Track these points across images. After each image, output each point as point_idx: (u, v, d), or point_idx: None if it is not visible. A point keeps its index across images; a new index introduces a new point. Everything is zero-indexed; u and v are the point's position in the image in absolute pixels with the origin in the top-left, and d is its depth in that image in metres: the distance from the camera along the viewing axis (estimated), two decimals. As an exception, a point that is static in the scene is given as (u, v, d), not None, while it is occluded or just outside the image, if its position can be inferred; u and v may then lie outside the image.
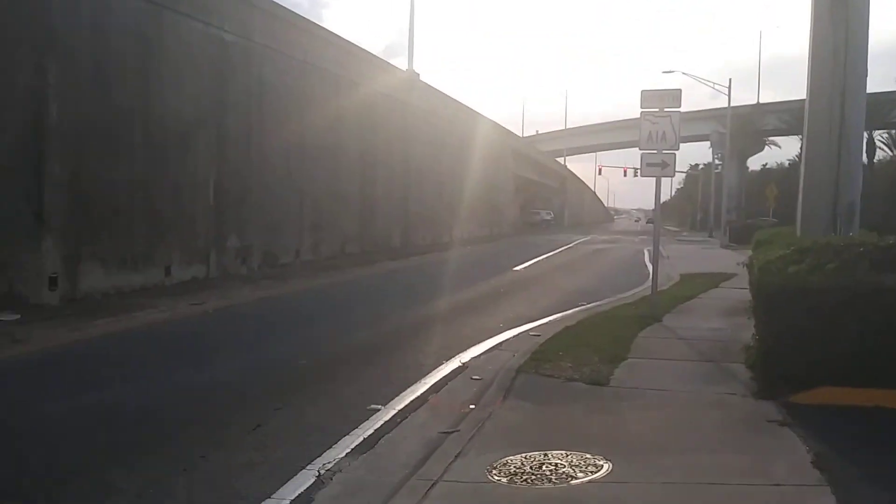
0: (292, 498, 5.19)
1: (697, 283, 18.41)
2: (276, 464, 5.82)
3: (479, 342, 10.80)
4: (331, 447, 6.16)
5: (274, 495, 5.21)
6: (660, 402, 7.25)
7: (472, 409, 7.31)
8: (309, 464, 5.79)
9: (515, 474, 5.44)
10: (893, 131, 52.25)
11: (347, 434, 6.50)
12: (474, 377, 8.69)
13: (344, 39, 26.18)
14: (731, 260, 25.45)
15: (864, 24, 10.27)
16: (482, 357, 9.89)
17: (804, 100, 11.00)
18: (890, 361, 6.84)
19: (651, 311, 12.67)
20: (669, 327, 11.75)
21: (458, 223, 40.21)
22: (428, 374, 8.85)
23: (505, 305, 15.03)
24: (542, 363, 8.91)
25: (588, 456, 5.70)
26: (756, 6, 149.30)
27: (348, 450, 6.14)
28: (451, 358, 9.71)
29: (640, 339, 10.51)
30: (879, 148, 50.01)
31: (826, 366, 6.96)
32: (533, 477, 5.38)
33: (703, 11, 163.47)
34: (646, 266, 24.58)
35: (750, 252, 18.09)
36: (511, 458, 5.74)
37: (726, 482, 5.08)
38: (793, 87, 75.59)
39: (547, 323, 12.46)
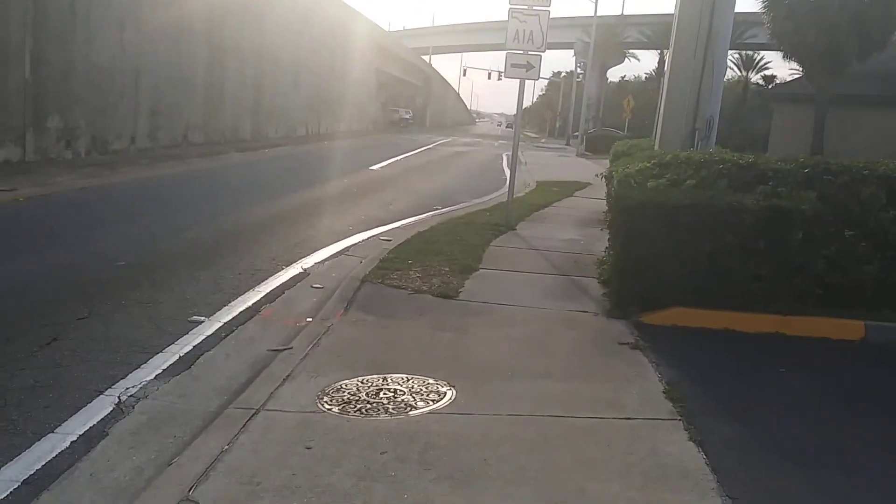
0: (81, 433, 4.36)
1: (553, 192, 18.34)
2: (68, 388, 4.93)
3: (324, 246, 10.06)
4: (138, 367, 5.34)
5: (58, 429, 4.37)
6: (510, 320, 6.83)
7: (309, 322, 6.64)
8: (109, 388, 4.97)
9: (349, 402, 4.85)
10: (745, 52, 54.34)
11: (161, 351, 5.68)
12: (315, 285, 7.98)
13: None
14: (586, 169, 25.82)
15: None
16: (326, 263, 9.16)
17: (667, 13, 10.66)
18: (741, 284, 6.71)
19: (506, 218, 12.31)
20: (523, 236, 11.43)
21: (315, 117, 38.54)
22: (263, 280, 8.04)
23: (357, 207, 14.25)
24: (389, 272, 8.30)
25: (431, 381, 5.19)
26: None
27: (159, 371, 5.33)
28: (291, 263, 8.94)
29: (493, 249, 10.11)
30: (730, 68, 51.95)
31: (680, 286, 6.76)
32: (368, 406, 4.80)
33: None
34: (503, 171, 24.41)
35: (606, 162, 18.27)
36: (347, 381, 5.15)
37: (575, 414, 4.70)
38: (655, 1, 76.87)
39: (399, 227, 11.86)
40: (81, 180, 14.60)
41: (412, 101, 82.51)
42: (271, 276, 8.28)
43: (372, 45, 51.68)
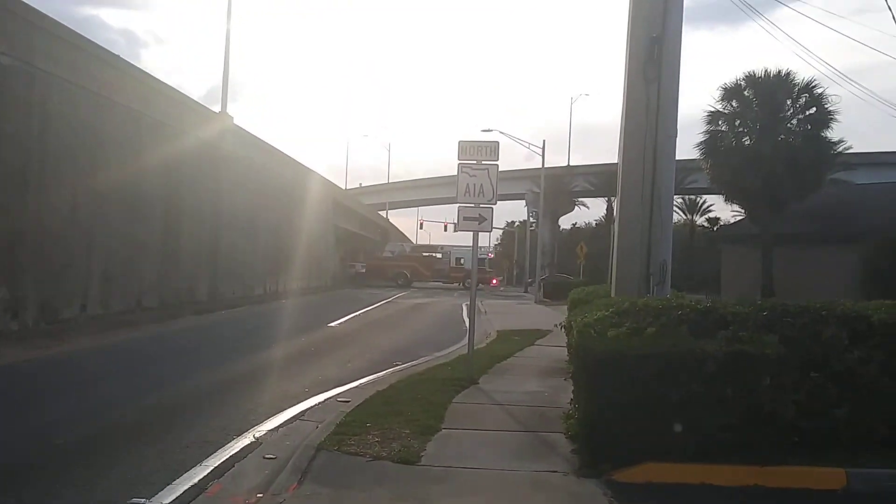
0: None
1: (514, 341, 18.18)
2: None
3: (279, 411, 9.59)
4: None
5: None
6: (475, 486, 6.42)
7: (260, 498, 6.16)
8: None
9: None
10: (688, 196, 56.57)
11: (93, 543, 5.15)
12: (268, 456, 7.50)
13: (148, 74, 24.33)
14: (545, 316, 25.83)
15: (675, 85, 10.38)
16: (280, 430, 8.69)
17: (611, 163, 11.00)
18: (712, 434, 6.46)
19: (467, 372, 12.02)
20: (486, 391, 11.10)
21: (273, 275, 38.47)
22: (213, 453, 7.53)
23: (314, 366, 13.86)
24: (346, 437, 7.88)
25: (390, 562, 4.75)
26: (568, 76, 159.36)
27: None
28: (243, 432, 8.45)
29: (455, 406, 9.75)
30: (675, 212, 53.93)
31: (650, 439, 6.48)
32: None
33: (523, 79, 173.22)
34: (464, 321, 24.25)
35: (564, 308, 18.26)
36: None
37: None
38: (599, 151, 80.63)
39: (358, 387, 11.47)
40: (27, 352, 14.03)
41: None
42: (221, 447, 7.79)
43: (329, 202, 52.70)
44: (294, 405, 10.03)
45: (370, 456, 7.25)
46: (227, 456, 7.49)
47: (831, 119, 30.50)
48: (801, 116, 31.24)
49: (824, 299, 7.71)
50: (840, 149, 31.07)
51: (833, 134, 30.79)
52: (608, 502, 5.88)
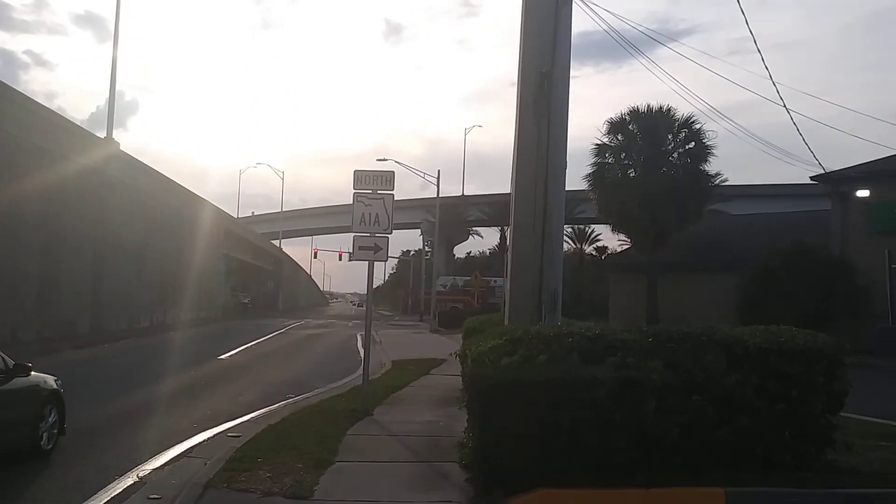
0: None
1: (409, 371, 18.15)
2: None
3: (165, 449, 9.23)
4: None
5: None
6: (369, 519, 6.34)
7: (143, 543, 5.87)
8: None
9: None
10: (578, 226, 58.24)
11: None
12: (152, 496, 7.19)
13: (27, 97, 23.24)
14: (441, 345, 25.89)
15: (564, 118, 10.69)
16: (166, 468, 8.35)
17: (504, 193, 11.21)
18: (603, 458, 6.61)
19: (362, 403, 11.89)
20: (381, 422, 11.01)
21: (161, 306, 37.11)
22: (92, 495, 7.16)
23: (204, 401, 13.40)
24: (236, 473, 7.65)
25: None
26: (460, 110, 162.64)
27: None
28: (126, 471, 8.08)
29: (349, 438, 9.63)
30: (565, 241, 55.43)
31: (543, 465, 6.56)
32: None
33: (420, 111, 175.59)
34: (358, 352, 24.03)
35: (459, 337, 18.38)
36: None
37: None
38: (492, 182, 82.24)
39: (249, 420, 11.19)
40: None
41: (263, 285, 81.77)
42: (102, 488, 7.43)
43: (220, 231, 51.43)
44: (181, 441, 9.68)
45: (261, 492, 7.06)
46: (108, 497, 7.16)
47: (709, 153, 32.13)
48: (681, 150, 32.76)
49: (705, 325, 8.04)
50: (717, 181, 32.70)
51: (711, 167, 32.44)
52: (502, 532, 5.91)
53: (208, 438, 9.92)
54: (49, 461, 8.52)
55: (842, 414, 8.17)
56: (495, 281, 58.07)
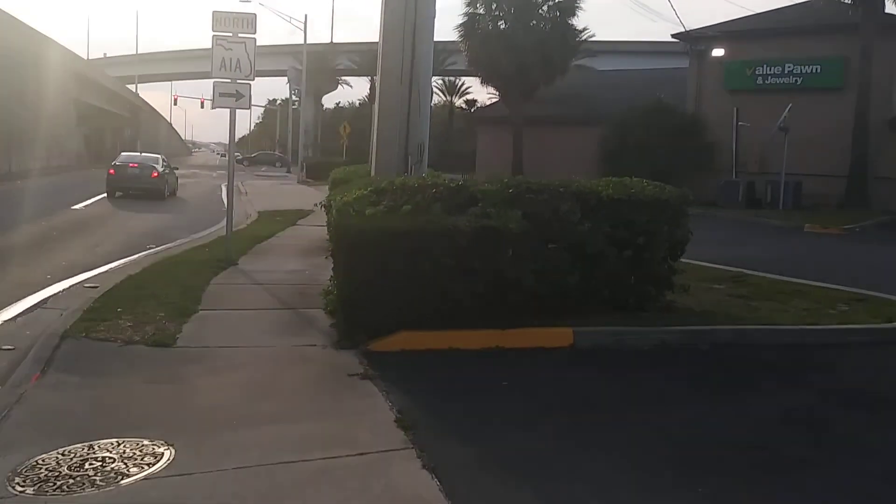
0: None
1: (276, 221, 18.02)
2: None
3: (17, 300, 8.86)
4: None
5: None
6: (234, 363, 6.45)
7: (-3, 391, 5.76)
8: None
9: (47, 480, 4.24)
10: (448, 78, 57.75)
11: None
12: (5, 347, 6.97)
13: None
14: (308, 196, 25.59)
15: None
16: (19, 320, 8.08)
17: (374, 42, 10.93)
18: (461, 303, 6.94)
19: (226, 253, 11.78)
20: (246, 271, 11.00)
21: (6, 154, 34.51)
22: (-63, 350, 6.87)
23: (57, 252, 12.85)
24: (95, 323, 7.49)
25: (146, 442, 4.70)
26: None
27: None
28: (-27, 325, 7.76)
29: (213, 287, 9.57)
30: (435, 93, 55.07)
31: (404, 310, 6.84)
32: (71, 481, 4.23)
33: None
34: (223, 203, 23.45)
35: (326, 188, 18.28)
36: (44, 456, 4.50)
37: (308, 457, 4.50)
38: (363, 29, 79.40)
39: (107, 272, 10.86)
40: None
41: (120, 133, 77.14)
42: (-53, 341, 7.11)
43: (69, 73, 47.48)
44: (34, 293, 9.31)
45: (122, 341, 6.98)
46: (-46, 351, 6.87)
47: (577, 7, 32.24)
48: (550, 3, 32.66)
49: (563, 178, 8.37)
50: (584, 36, 33.10)
51: (578, 22, 32.64)
52: (363, 370, 6.16)
53: (64, 290, 9.60)
54: None
55: (682, 259, 8.89)
56: None
